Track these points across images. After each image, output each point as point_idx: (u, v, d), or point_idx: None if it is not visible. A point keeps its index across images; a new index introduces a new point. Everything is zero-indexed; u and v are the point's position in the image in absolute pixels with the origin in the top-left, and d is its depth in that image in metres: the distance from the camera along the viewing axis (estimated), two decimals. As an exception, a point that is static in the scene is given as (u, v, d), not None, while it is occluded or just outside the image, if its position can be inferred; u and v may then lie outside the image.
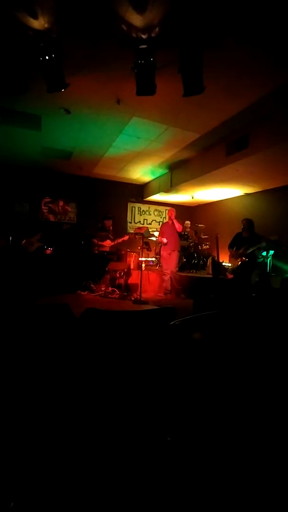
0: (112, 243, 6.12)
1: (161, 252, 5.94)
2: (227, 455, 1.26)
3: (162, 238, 5.69)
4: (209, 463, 1.22)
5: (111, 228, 6.29)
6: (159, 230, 6.26)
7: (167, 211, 9.35)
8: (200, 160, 5.89)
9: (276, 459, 1.26)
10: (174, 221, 5.61)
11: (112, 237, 6.15)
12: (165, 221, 9.34)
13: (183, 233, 6.52)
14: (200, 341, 1.48)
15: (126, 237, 6.08)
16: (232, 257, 5.32)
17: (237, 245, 5.21)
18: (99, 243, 6.09)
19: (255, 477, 1.15)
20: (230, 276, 5.54)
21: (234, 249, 5.23)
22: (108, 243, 6.10)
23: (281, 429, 1.38)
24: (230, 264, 5.59)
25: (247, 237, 5.12)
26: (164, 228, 5.88)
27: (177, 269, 5.78)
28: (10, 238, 6.15)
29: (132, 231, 7.11)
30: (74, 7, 2.52)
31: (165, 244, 5.66)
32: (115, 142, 5.47)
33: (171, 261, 5.61)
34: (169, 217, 5.74)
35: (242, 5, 2.41)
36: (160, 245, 7.25)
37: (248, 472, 1.18)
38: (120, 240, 6.11)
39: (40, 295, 4.91)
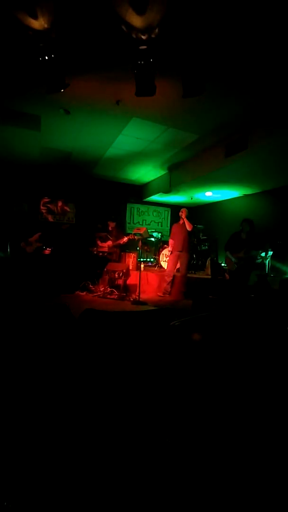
0: (113, 244, 6.14)
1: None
2: (226, 455, 1.26)
3: (170, 239, 5.76)
4: (208, 463, 1.22)
5: (114, 229, 6.32)
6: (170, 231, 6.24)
7: (166, 211, 9.40)
8: (199, 161, 5.89)
9: (276, 459, 1.25)
10: (185, 220, 5.57)
11: (112, 238, 6.17)
12: (164, 221, 9.44)
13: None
14: (199, 341, 1.48)
15: (125, 240, 6.09)
16: (230, 261, 5.06)
17: (235, 246, 4.98)
18: (101, 244, 6.12)
19: (254, 478, 1.15)
20: (228, 277, 5.51)
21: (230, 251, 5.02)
22: (109, 243, 6.12)
23: (281, 430, 1.38)
24: (225, 265, 5.51)
25: (245, 238, 4.94)
26: (174, 229, 5.86)
27: (186, 271, 5.73)
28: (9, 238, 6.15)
29: (131, 232, 7.14)
30: (74, 7, 2.52)
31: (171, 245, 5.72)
32: (115, 143, 5.47)
33: (181, 263, 5.61)
34: (180, 217, 5.72)
35: (243, 6, 2.41)
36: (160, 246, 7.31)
37: (248, 472, 1.18)
38: (119, 242, 6.14)
39: (39, 296, 4.90)
